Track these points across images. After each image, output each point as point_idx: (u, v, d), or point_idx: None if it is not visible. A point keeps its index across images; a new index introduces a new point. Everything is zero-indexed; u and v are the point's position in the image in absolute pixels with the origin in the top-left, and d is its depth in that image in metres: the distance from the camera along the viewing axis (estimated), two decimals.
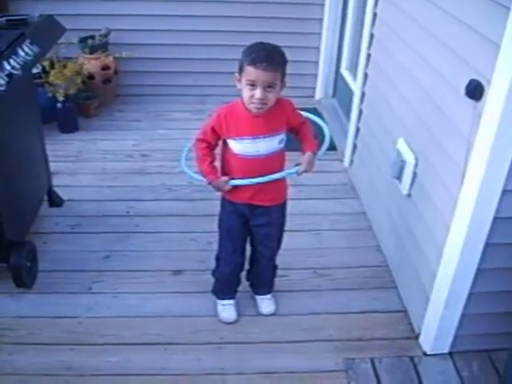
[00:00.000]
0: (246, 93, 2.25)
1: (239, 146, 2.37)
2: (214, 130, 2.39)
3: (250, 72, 2.20)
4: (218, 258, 2.75)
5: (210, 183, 2.46)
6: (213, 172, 2.45)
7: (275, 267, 2.82)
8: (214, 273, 2.80)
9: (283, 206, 2.61)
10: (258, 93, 2.22)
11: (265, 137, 2.35)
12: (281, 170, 2.47)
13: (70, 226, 3.43)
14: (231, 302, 2.79)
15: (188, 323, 2.74)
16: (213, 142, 2.43)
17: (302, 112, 2.56)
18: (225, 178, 2.43)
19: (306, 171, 2.41)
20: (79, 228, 3.41)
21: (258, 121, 2.33)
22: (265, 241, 2.65)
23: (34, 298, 2.87)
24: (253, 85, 2.21)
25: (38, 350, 2.58)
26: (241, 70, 2.25)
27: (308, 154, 2.43)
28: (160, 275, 3.04)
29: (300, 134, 2.49)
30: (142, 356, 2.56)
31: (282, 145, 2.42)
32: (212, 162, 2.46)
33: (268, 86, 2.22)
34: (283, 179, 2.52)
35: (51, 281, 2.98)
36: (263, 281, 2.84)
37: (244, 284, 2.86)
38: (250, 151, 2.37)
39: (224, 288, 2.80)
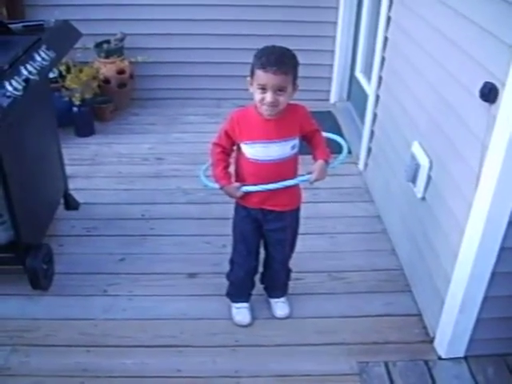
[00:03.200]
0: (257, 96, 2.26)
1: (251, 151, 2.37)
2: (227, 133, 2.41)
3: (260, 76, 2.21)
4: (232, 262, 2.76)
5: (221, 188, 2.48)
6: (225, 177, 2.46)
7: (289, 271, 2.82)
8: (228, 276, 2.81)
9: (297, 211, 2.61)
10: (268, 96, 2.22)
11: (277, 141, 2.35)
12: (293, 175, 2.47)
13: (85, 228, 3.46)
14: (245, 305, 2.80)
15: (203, 326, 2.75)
16: (227, 146, 2.44)
17: (323, 133, 2.55)
18: (236, 185, 2.44)
19: (317, 180, 2.41)
20: (95, 231, 3.44)
21: (271, 125, 2.34)
22: (278, 245, 2.65)
23: (51, 300, 2.91)
24: (263, 88, 2.22)
25: (54, 351, 2.61)
26: (252, 74, 2.27)
27: (320, 162, 2.42)
28: (175, 278, 3.06)
29: (313, 141, 2.49)
30: (157, 358, 2.58)
31: (294, 150, 2.42)
32: (225, 167, 2.47)
33: (279, 90, 2.22)
34: (296, 185, 2.52)
35: (67, 283, 3.01)
36: (276, 284, 2.85)
37: (259, 287, 2.86)
38: (261, 156, 2.37)
39: (238, 291, 2.81)
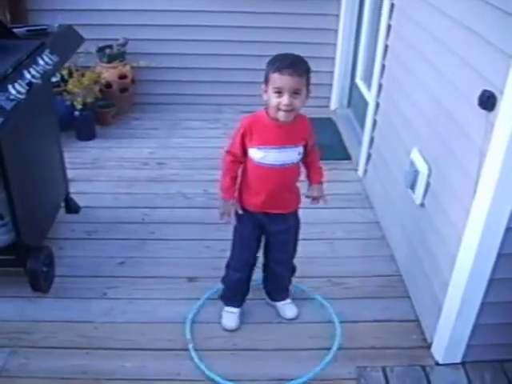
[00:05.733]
0: (273, 101, 2.28)
1: (263, 155, 2.39)
2: (242, 139, 2.42)
3: (276, 79, 2.24)
4: (228, 266, 2.78)
5: (221, 198, 2.54)
6: (229, 191, 2.52)
7: (294, 269, 2.86)
8: (223, 280, 2.83)
9: (297, 210, 2.66)
10: (285, 99, 2.25)
11: (289, 147, 2.40)
12: (296, 181, 2.55)
13: (86, 232, 3.47)
14: (235, 310, 2.80)
15: (202, 329, 2.76)
16: (240, 153, 2.45)
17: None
18: (234, 205, 2.53)
19: (317, 200, 2.63)
20: (95, 234, 3.46)
21: (284, 130, 2.37)
22: (283, 247, 2.68)
23: (50, 302, 2.92)
24: (279, 92, 2.25)
25: (53, 353, 2.62)
26: (266, 80, 2.29)
27: (316, 186, 2.61)
28: (175, 282, 3.07)
29: (308, 159, 2.56)
30: (156, 361, 2.59)
31: (300, 157, 2.47)
32: (233, 177, 2.51)
33: (294, 93, 2.25)
34: (295, 190, 2.58)
35: (67, 286, 3.02)
36: (281, 287, 2.86)
37: (257, 291, 2.88)
38: (272, 160, 2.40)
39: (231, 295, 2.82)
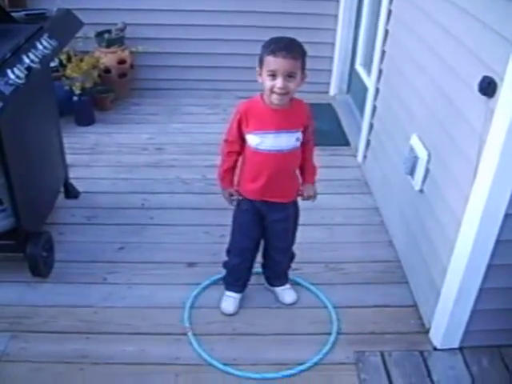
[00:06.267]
0: (268, 84, 2.27)
1: (260, 141, 2.38)
2: (238, 125, 2.41)
3: (270, 61, 2.22)
4: (228, 251, 2.80)
5: (220, 187, 2.57)
6: (226, 180, 2.55)
7: (292, 255, 2.86)
8: (224, 265, 2.84)
9: (296, 199, 2.65)
10: (279, 82, 2.24)
11: (286, 132, 2.39)
12: (296, 168, 2.54)
13: (85, 217, 3.48)
14: (235, 295, 2.82)
15: (202, 314, 2.78)
16: (238, 140, 2.45)
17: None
18: (232, 193, 2.56)
19: (308, 199, 2.64)
20: (95, 219, 3.46)
21: (280, 115, 2.36)
22: (282, 235, 2.68)
23: (50, 287, 2.93)
24: (273, 75, 2.24)
25: (53, 338, 2.63)
26: (261, 63, 2.28)
27: (309, 186, 2.62)
28: (174, 267, 3.08)
29: (304, 154, 2.55)
30: (156, 346, 2.61)
31: (298, 143, 2.45)
32: (230, 167, 2.53)
33: (289, 76, 2.24)
34: (294, 178, 2.57)
35: (67, 271, 3.03)
36: (280, 273, 2.87)
37: (256, 277, 2.89)
38: (270, 146, 2.39)
39: (232, 280, 2.83)
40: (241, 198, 2.56)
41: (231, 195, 2.58)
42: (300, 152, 2.51)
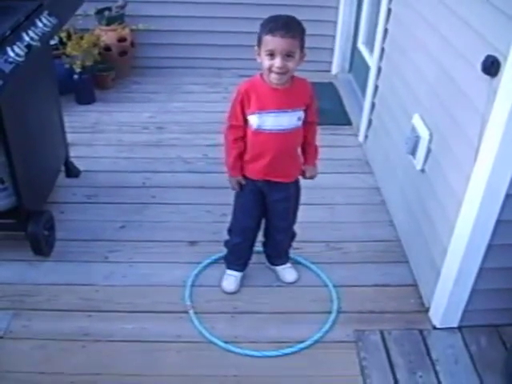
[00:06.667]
0: (266, 63, 2.25)
1: (261, 120, 2.36)
2: (241, 106, 2.38)
3: (268, 41, 2.20)
4: (230, 230, 2.80)
5: (228, 175, 2.55)
6: (235, 168, 2.52)
7: (293, 235, 2.86)
8: (226, 243, 2.85)
9: (298, 179, 2.65)
10: (277, 61, 2.22)
11: (287, 111, 2.37)
12: (298, 147, 2.53)
13: (86, 196, 3.48)
14: (236, 273, 2.83)
15: (203, 293, 2.79)
16: (241, 123, 2.42)
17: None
18: (240, 181, 2.54)
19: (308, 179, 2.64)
20: (96, 198, 3.47)
21: (281, 94, 2.35)
22: (282, 215, 2.68)
23: (52, 265, 2.94)
24: (272, 54, 2.22)
25: (55, 315, 2.65)
26: (259, 43, 2.26)
27: (310, 167, 2.61)
28: (175, 246, 3.09)
29: (306, 137, 2.53)
30: (157, 324, 2.62)
31: (300, 122, 2.43)
32: (238, 155, 2.49)
33: (287, 55, 2.22)
34: (296, 158, 2.56)
35: (68, 249, 3.04)
36: (281, 252, 2.88)
37: (257, 255, 2.90)
38: (271, 125, 2.37)
39: (234, 259, 2.84)
40: (244, 182, 2.56)
41: (239, 182, 2.56)
42: (302, 131, 2.49)
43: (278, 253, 2.88)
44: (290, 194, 2.63)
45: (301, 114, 2.42)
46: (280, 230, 2.76)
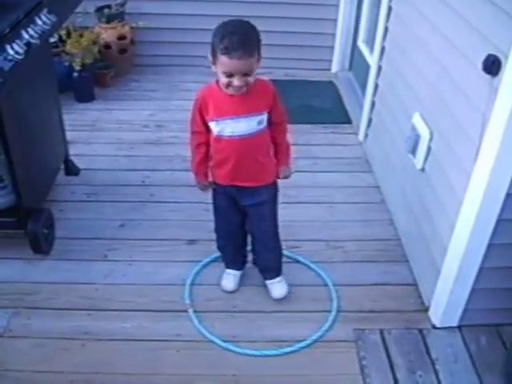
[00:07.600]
0: (223, 80, 2.18)
1: (219, 127, 2.32)
2: (200, 113, 2.35)
3: (225, 62, 2.11)
4: (215, 231, 2.79)
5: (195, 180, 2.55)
6: (199, 172, 2.51)
7: (280, 250, 2.76)
8: (216, 245, 2.85)
9: (274, 185, 2.57)
10: (235, 81, 2.15)
11: (245, 116, 2.29)
12: (264, 152, 2.46)
13: (86, 194, 3.48)
14: (234, 272, 2.83)
15: (202, 291, 2.79)
16: (203, 129, 2.38)
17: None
18: (206, 185, 2.54)
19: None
20: (95, 197, 3.46)
21: (237, 100, 2.26)
22: (258, 221, 2.61)
23: (51, 264, 2.94)
24: (230, 75, 2.15)
25: (55, 314, 2.65)
26: (214, 55, 2.16)
27: (283, 168, 2.54)
28: (175, 244, 3.09)
29: (274, 134, 2.46)
30: (156, 322, 2.62)
31: (261, 126, 2.35)
32: (202, 160, 2.47)
33: (245, 74, 2.15)
34: (264, 162, 2.47)
35: (68, 248, 3.04)
36: (268, 265, 2.80)
37: None
38: (230, 131, 2.31)
39: (227, 259, 2.84)
40: (214, 186, 2.54)
41: (208, 186, 2.55)
42: (267, 134, 2.42)
43: (264, 265, 2.81)
44: (263, 200, 2.53)
45: (261, 117, 2.34)
46: (259, 239, 2.70)
